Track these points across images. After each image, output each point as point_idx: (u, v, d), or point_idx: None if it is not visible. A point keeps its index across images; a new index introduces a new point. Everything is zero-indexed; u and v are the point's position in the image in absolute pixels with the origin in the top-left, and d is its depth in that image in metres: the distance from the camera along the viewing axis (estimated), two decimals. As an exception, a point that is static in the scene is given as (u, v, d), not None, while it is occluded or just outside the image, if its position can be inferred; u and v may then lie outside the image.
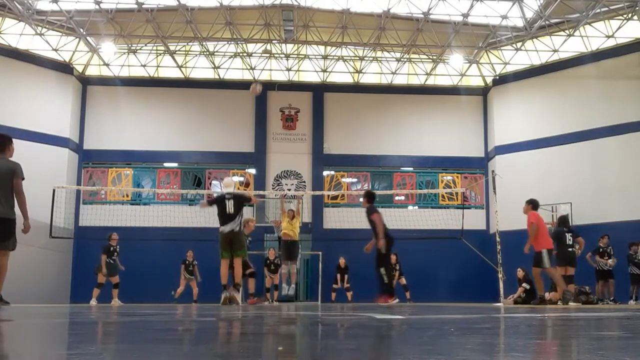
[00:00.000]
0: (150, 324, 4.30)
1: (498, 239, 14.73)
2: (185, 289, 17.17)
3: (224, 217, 10.50)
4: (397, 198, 22.50)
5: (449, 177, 22.30)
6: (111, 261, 14.81)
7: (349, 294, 18.36)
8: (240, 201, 10.68)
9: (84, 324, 4.41)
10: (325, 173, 22.01)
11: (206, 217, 16.28)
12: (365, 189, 21.81)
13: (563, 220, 13.65)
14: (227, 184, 11.12)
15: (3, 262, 7.84)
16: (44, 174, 18.21)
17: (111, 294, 15.10)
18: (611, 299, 15.62)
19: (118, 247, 15.10)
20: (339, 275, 18.66)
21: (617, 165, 18.60)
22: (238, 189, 21.75)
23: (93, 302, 14.65)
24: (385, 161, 22.12)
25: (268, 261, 16.51)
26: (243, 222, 12.93)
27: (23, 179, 7.75)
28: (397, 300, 11.35)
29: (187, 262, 17.16)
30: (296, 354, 2.24)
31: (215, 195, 11.40)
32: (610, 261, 15.73)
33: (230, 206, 10.47)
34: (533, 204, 12.38)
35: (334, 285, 18.64)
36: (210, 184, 21.82)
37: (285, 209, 14.59)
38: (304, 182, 21.76)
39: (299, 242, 14.99)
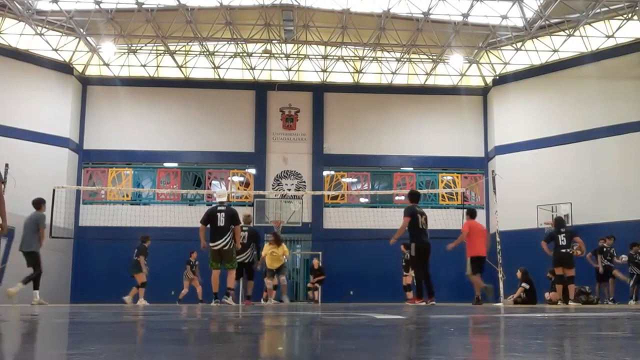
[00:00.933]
0: (151, 324, 4.30)
1: (498, 239, 14.74)
2: (188, 290, 17.19)
3: (215, 231, 10.59)
4: (397, 198, 22.48)
5: (449, 177, 22.28)
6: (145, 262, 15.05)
7: (316, 293, 18.48)
8: (232, 218, 10.71)
9: (84, 324, 4.41)
10: (325, 173, 22.00)
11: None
12: (365, 189, 21.86)
13: (558, 222, 13.65)
14: (221, 194, 11.23)
15: None
16: (44, 174, 18.22)
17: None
18: (610, 299, 15.62)
19: None
20: (312, 277, 18.82)
21: (617, 165, 18.59)
22: (238, 189, 21.89)
23: (143, 301, 14.67)
24: (385, 161, 22.12)
25: None
26: (243, 218, 12.96)
27: (3, 182, 8.07)
28: (423, 302, 11.36)
29: (191, 262, 17.20)
30: (296, 354, 2.24)
31: (207, 209, 11.50)
32: (623, 257, 15.65)
33: (221, 219, 10.55)
34: (470, 214, 13.02)
35: (309, 285, 18.84)
36: (210, 184, 21.83)
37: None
38: (304, 182, 21.75)
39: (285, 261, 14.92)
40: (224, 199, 11.03)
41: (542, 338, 2.91)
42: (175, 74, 21.97)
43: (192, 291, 17.26)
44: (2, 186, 8.07)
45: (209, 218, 10.72)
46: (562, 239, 12.74)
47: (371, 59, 21.84)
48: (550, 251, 12.92)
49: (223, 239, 10.53)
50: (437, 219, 19.22)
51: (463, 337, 2.89)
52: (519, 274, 15.36)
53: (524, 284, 15.12)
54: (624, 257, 15.60)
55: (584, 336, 3.05)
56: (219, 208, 10.77)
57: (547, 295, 14.95)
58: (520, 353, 2.15)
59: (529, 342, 2.64)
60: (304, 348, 2.50)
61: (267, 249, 14.32)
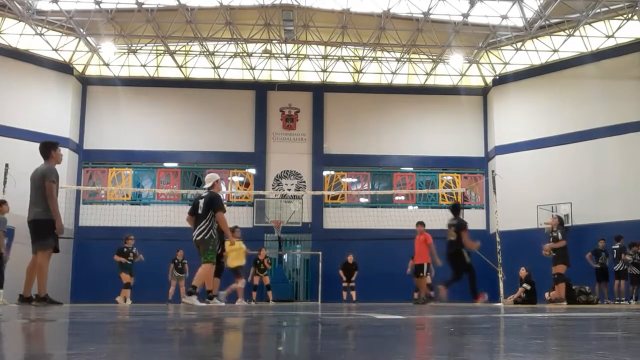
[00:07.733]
0: (150, 324, 4.30)
1: (498, 239, 14.74)
2: (176, 289, 17.14)
3: (195, 220, 9.42)
4: (397, 198, 22.50)
5: (449, 177, 22.29)
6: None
7: (353, 293, 18.41)
8: (210, 205, 9.36)
9: (84, 324, 4.40)
10: (325, 173, 22.00)
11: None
12: (365, 189, 21.87)
13: (563, 221, 13.67)
14: (207, 179, 9.95)
15: (40, 262, 8.22)
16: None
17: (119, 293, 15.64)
18: (622, 299, 15.58)
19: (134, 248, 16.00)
20: (342, 272, 18.55)
21: (617, 165, 18.59)
22: (238, 189, 21.88)
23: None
24: (385, 161, 22.12)
25: (258, 261, 16.54)
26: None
27: (53, 182, 8.08)
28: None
29: (176, 260, 17.18)
30: (296, 354, 2.23)
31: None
32: (627, 257, 15.67)
33: (201, 205, 9.37)
34: (424, 224, 13.58)
35: (344, 284, 18.56)
36: (210, 184, 21.80)
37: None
38: (304, 182, 21.76)
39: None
40: (209, 185, 9.66)
41: (542, 338, 2.91)
42: (175, 74, 21.98)
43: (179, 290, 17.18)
44: None
45: (194, 207, 9.56)
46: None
47: (371, 59, 21.84)
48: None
49: (198, 228, 9.24)
50: (437, 219, 19.19)
51: (463, 337, 2.89)
52: (522, 272, 15.31)
53: (525, 285, 15.10)
54: (628, 257, 15.61)
55: (584, 336, 3.05)
56: (202, 194, 9.62)
57: (547, 295, 14.94)
58: (520, 353, 2.15)
59: (529, 342, 2.64)
60: (304, 348, 2.49)
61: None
